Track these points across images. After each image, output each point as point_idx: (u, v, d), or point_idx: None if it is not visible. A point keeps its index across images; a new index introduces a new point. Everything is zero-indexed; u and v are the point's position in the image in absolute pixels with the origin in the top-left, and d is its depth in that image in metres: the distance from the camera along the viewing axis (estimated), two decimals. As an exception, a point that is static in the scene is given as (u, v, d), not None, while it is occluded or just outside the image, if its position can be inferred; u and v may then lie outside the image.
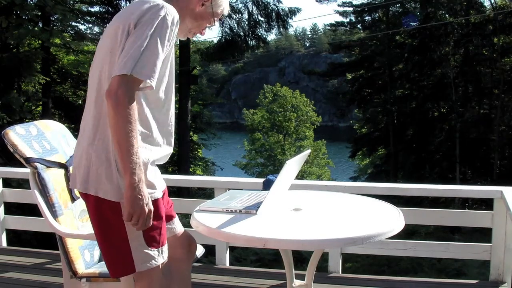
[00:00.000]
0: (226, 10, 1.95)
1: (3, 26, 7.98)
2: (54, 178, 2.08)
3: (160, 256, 1.69)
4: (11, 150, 2.08)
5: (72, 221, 2.10)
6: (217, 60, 17.60)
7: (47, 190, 2.05)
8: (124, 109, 1.48)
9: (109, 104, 1.49)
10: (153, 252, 1.67)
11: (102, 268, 2.06)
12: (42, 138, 2.19)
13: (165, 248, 1.73)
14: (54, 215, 2.03)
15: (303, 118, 28.60)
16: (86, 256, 2.08)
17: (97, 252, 2.22)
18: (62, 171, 2.15)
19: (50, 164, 2.11)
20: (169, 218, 1.89)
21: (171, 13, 1.59)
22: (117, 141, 1.50)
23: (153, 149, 1.68)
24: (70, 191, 2.12)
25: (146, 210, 1.55)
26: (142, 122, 1.62)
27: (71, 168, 1.83)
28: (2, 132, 2.10)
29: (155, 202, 1.65)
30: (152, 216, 1.58)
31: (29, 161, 2.06)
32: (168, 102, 1.74)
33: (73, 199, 2.13)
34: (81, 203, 2.13)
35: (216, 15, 1.90)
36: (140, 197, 1.53)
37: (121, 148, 1.50)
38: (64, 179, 2.15)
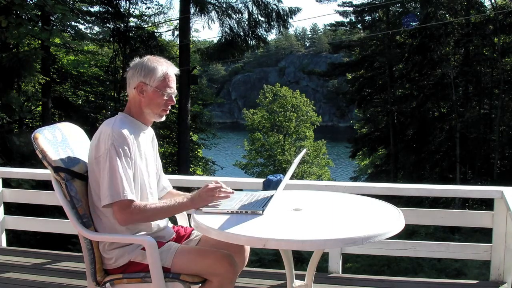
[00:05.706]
0: (169, 70, 2.01)
1: (2, 25, 7.94)
2: (80, 190, 2.04)
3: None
4: (40, 156, 2.01)
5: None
6: (217, 60, 17.54)
7: (76, 201, 1.99)
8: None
9: None
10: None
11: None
12: (66, 145, 2.11)
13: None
14: (85, 225, 2.01)
15: (303, 118, 28.57)
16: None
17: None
18: (84, 182, 2.08)
19: (75, 175, 2.05)
20: (188, 235, 2.26)
21: (117, 134, 1.89)
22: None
23: None
24: None
25: (208, 191, 1.98)
26: None
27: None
28: (32, 136, 2.03)
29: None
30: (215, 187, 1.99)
31: (57, 170, 2.00)
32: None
33: None
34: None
35: (162, 87, 1.99)
36: (199, 198, 1.97)
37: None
38: (86, 190, 2.08)
